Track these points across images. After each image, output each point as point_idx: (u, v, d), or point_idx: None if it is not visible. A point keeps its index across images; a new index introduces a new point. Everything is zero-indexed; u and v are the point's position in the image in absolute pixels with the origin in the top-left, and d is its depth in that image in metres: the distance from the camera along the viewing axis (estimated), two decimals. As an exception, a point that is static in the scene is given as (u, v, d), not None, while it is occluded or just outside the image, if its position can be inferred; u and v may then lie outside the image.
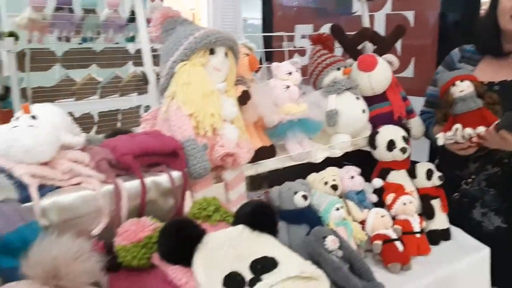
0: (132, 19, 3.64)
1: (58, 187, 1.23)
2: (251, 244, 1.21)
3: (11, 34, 2.91)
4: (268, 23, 3.97)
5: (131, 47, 3.99)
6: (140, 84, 3.86)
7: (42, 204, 1.15)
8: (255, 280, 1.11)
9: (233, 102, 1.63)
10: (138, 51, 3.65)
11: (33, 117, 1.21)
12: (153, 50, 1.85)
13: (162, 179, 1.38)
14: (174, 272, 1.09)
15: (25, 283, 0.93)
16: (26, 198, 1.13)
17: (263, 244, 1.23)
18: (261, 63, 2.14)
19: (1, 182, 1.07)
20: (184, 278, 1.07)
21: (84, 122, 3.73)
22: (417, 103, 2.43)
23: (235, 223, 1.27)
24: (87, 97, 3.80)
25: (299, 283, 1.12)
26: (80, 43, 3.76)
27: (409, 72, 2.83)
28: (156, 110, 1.67)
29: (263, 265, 1.15)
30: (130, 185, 1.30)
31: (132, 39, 3.90)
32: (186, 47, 1.55)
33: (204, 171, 1.44)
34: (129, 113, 3.91)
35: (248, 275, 1.13)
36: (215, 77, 1.61)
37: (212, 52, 1.60)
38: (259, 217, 1.26)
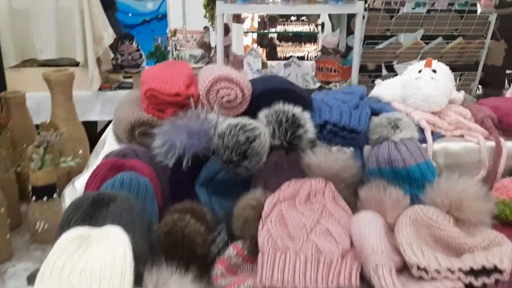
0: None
1: (443, 136, 1.39)
2: None
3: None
4: None
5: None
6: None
7: (434, 148, 1.32)
8: None
9: None
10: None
11: (434, 71, 1.38)
12: None
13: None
14: None
15: (432, 209, 1.12)
16: (421, 140, 1.32)
17: None
18: None
19: (409, 123, 1.29)
20: None
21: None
22: None
23: None
24: (409, 61, 3.95)
25: None
26: (413, 8, 3.89)
27: None
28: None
29: None
30: (510, 145, 1.35)
31: (465, 4, 3.77)
32: None
33: None
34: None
35: None
36: None
37: None
38: None
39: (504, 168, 1.34)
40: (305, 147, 1.22)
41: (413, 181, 1.23)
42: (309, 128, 1.23)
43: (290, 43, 7.76)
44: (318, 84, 3.38)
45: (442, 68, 1.42)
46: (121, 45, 3.29)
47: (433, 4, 3.77)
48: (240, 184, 1.19)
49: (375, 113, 1.37)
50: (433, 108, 1.37)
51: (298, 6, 3.21)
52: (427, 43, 3.62)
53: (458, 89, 4.08)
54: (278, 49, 7.57)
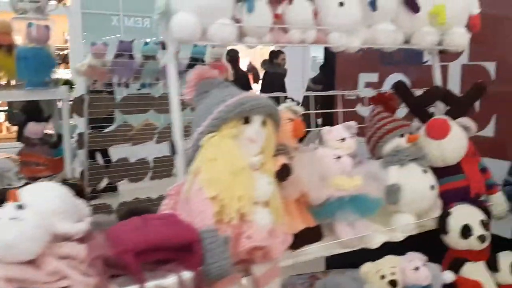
0: (191, 65, 3.57)
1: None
2: None
3: (66, 82, 2.91)
4: (329, 68, 3.71)
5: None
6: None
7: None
8: None
9: (268, 179, 1.37)
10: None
11: (20, 206, 1.03)
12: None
13: (168, 282, 1.13)
14: None
15: None
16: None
17: None
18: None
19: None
20: None
21: (139, 168, 3.72)
22: (499, 168, 2.03)
23: None
24: (143, 142, 3.76)
25: None
26: (138, 89, 3.75)
27: (488, 131, 2.39)
28: (181, 185, 1.45)
29: None
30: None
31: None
32: (215, 116, 1.34)
33: (222, 272, 1.18)
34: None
35: None
36: (249, 149, 1.37)
37: (247, 121, 1.38)
38: None
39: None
40: None
41: None
42: None
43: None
44: (23, 181, 2.84)
45: (38, 199, 1.09)
46: None
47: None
48: None
49: None
50: (21, 258, 1.02)
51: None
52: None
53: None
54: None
